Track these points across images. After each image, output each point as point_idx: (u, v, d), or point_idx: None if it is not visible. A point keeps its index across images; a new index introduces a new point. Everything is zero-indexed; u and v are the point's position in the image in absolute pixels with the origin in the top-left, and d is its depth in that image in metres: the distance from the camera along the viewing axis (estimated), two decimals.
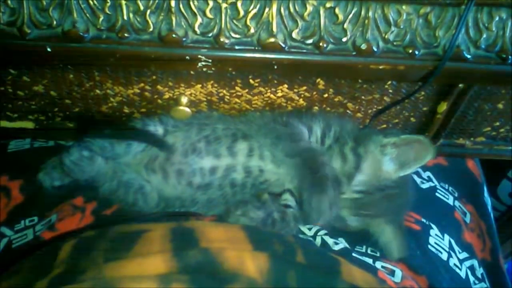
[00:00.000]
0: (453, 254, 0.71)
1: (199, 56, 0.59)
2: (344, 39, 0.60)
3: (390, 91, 0.69)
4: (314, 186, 0.62)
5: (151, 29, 0.58)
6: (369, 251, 0.67)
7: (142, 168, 0.70)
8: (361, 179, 0.66)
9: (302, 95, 0.70)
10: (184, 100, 0.69)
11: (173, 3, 0.56)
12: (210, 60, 0.60)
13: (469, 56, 0.61)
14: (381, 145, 0.66)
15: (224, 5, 0.57)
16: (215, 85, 0.68)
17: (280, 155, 0.66)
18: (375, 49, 0.60)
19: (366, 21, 0.59)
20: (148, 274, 0.43)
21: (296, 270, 0.47)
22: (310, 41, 0.59)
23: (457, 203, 0.78)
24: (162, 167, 0.69)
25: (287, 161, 0.65)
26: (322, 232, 0.68)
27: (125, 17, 0.57)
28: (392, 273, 0.65)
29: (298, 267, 0.49)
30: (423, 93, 0.70)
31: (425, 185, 0.79)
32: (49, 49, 0.58)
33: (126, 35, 0.58)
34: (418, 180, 0.80)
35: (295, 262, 0.50)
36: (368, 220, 0.66)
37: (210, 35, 0.58)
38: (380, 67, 0.61)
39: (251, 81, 0.67)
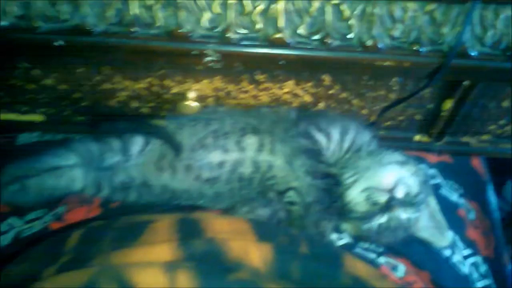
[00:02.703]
0: (456, 250, 0.71)
1: (206, 51, 0.60)
2: (349, 36, 0.60)
3: (396, 88, 0.70)
4: (328, 214, 0.65)
5: (159, 24, 0.59)
6: (372, 247, 0.68)
7: (152, 166, 0.71)
8: (416, 216, 0.67)
9: (308, 91, 0.71)
10: (191, 95, 0.70)
11: None
12: (217, 55, 0.61)
13: (474, 54, 0.61)
14: None
15: (231, 1, 0.58)
16: (222, 80, 0.69)
17: (300, 170, 0.67)
18: (381, 46, 0.61)
19: (372, 18, 0.59)
20: (154, 261, 0.44)
21: (299, 261, 0.48)
22: (316, 37, 0.60)
23: (461, 200, 0.79)
24: (171, 164, 0.70)
25: (307, 179, 0.66)
26: None
27: (134, 12, 0.58)
28: (395, 268, 0.65)
29: (302, 258, 0.49)
30: (428, 90, 0.70)
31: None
32: (58, 43, 0.59)
33: (134, 29, 0.59)
34: None
35: (299, 253, 0.51)
36: None
37: (217, 30, 0.59)
38: (385, 63, 0.62)
39: (257, 76, 0.68)
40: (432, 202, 0.71)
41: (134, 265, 0.43)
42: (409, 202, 0.64)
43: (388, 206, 0.63)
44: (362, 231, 0.66)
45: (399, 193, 0.64)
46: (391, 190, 0.64)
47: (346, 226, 0.69)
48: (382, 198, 0.63)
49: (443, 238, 0.69)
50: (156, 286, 0.41)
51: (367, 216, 0.64)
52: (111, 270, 0.42)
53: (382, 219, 0.64)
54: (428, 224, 0.69)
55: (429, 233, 0.69)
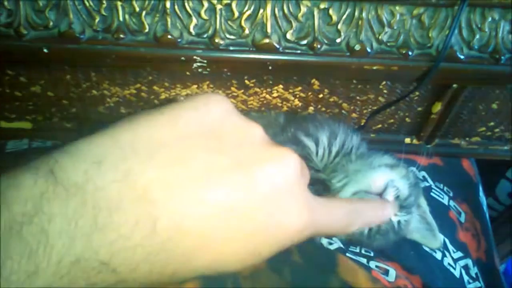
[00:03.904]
0: (447, 253, 0.71)
1: (194, 57, 0.60)
2: (338, 40, 0.60)
3: (385, 91, 0.70)
4: None
5: (146, 30, 0.58)
6: (363, 251, 0.67)
7: None
8: (407, 219, 0.67)
9: (298, 96, 0.71)
10: (180, 100, 0.69)
11: (168, 4, 0.57)
12: (205, 61, 0.60)
13: (462, 57, 0.61)
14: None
15: (218, 6, 0.58)
16: (211, 86, 0.68)
17: None
18: (369, 50, 0.60)
19: (360, 22, 0.59)
20: None
21: (291, 267, 0.48)
22: (304, 42, 0.60)
23: (452, 203, 0.79)
24: None
25: None
26: None
27: (121, 18, 0.58)
28: (386, 272, 0.65)
29: (294, 264, 0.49)
30: (417, 93, 0.70)
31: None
32: (45, 50, 0.59)
33: (122, 36, 0.58)
34: None
35: (291, 261, 0.51)
36: None
37: (205, 36, 0.59)
38: (374, 67, 0.62)
39: (246, 81, 0.68)
40: (423, 204, 0.71)
41: None
42: (400, 205, 0.64)
43: None
44: (353, 235, 0.66)
45: (389, 196, 0.64)
46: (381, 193, 0.63)
47: None
48: None
49: (434, 240, 0.69)
50: None
51: None
52: None
53: (384, 224, 0.64)
54: (419, 226, 0.69)
55: (420, 235, 0.69)
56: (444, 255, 0.71)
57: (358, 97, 0.71)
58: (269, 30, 0.59)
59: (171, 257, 0.29)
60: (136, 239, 0.27)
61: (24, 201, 0.26)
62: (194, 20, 0.58)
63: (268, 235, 0.32)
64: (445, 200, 0.78)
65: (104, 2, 0.57)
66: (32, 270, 0.25)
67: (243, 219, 0.30)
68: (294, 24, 0.59)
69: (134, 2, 0.57)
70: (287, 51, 0.60)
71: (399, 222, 0.65)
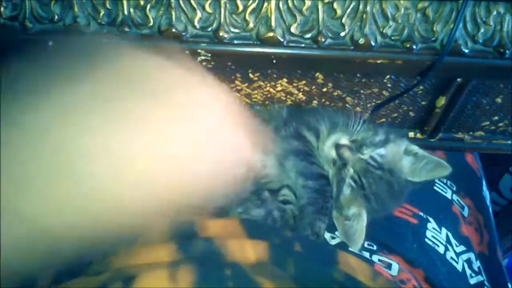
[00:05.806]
0: (450, 247, 0.71)
1: (199, 51, 0.60)
2: (342, 34, 0.60)
3: (389, 85, 0.70)
4: (321, 214, 0.65)
5: (151, 24, 0.59)
6: (365, 245, 0.68)
7: None
8: (382, 153, 0.68)
9: (302, 89, 0.71)
10: None
11: None
12: (209, 55, 0.61)
13: (466, 51, 0.61)
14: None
15: (223, 0, 0.58)
16: (215, 79, 0.68)
17: (292, 171, 0.68)
18: (373, 44, 0.60)
19: (364, 16, 0.59)
20: (157, 261, 0.44)
21: (294, 258, 0.48)
22: (308, 35, 0.60)
23: (455, 197, 0.79)
24: None
25: (300, 181, 0.67)
26: None
27: (126, 12, 0.58)
28: (388, 266, 0.65)
29: (297, 255, 0.50)
30: (421, 87, 0.70)
31: None
32: (50, 43, 0.59)
33: (126, 29, 0.59)
34: None
35: (294, 251, 0.51)
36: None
37: (209, 29, 0.59)
38: (378, 61, 0.62)
39: (250, 75, 0.68)
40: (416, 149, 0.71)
41: (140, 266, 0.43)
42: (361, 144, 0.67)
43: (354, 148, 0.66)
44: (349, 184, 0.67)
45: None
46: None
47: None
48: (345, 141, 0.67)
49: (442, 169, 0.69)
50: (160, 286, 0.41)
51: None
52: (117, 273, 0.42)
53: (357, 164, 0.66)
54: (409, 159, 0.70)
55: (424, 175, 0.70)
56: (446, 249, 0.71)
57: (362, 91, 0.71)
58: (273, 23, 0.59)
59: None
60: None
61: None
62: (199, 14, 0.58)
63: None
64: (448, 194, 0.78)
65: None
66: None
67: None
68: (299, 17, 0.59)
69: None
70: (291, 44, 0.60)
71: (372, 157, 0.66)
